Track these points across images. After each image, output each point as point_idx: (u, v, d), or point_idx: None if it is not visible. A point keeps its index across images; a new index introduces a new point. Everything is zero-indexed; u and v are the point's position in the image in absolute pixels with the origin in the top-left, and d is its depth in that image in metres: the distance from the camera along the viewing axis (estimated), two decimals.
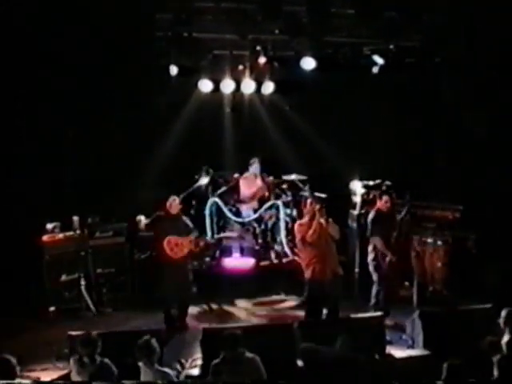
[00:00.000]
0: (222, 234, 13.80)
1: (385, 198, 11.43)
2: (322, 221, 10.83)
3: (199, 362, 9.59)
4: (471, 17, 12.61)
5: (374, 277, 11.33)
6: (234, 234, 13.85)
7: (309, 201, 11.19)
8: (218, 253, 13.78)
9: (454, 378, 7.47)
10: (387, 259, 11.18)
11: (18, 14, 11.97)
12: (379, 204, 11.46)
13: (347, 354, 8.47)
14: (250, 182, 14.15)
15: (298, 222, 11.33)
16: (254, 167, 14.09)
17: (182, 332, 11.15)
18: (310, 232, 10.79)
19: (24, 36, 12.14)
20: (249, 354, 8.24)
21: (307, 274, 10.96)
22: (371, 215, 11.54)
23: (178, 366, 9.46)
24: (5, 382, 7.39)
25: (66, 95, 12.92)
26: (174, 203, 11.54)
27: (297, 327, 9.74)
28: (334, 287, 10.91)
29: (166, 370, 8.31)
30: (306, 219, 11.05)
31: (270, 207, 13.83)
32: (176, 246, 11.32)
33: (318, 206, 10.92)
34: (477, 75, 13.27)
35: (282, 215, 13.70)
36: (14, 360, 7.67)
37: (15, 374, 7.65)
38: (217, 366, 8.18)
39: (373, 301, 11.28)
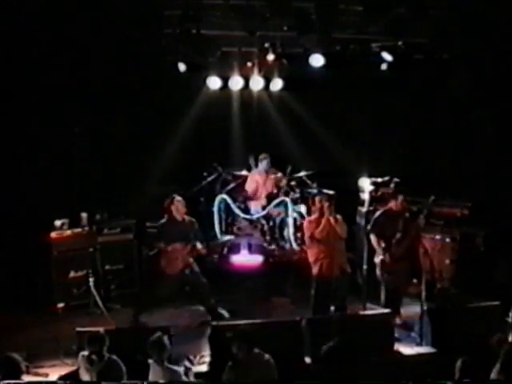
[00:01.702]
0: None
1: (401, 197, 11.31)
2: (331, 218, 10.85)
3: (207, 358, 9.63)
4: (479, 13, 12.53)
5: (379, 275, 11.28)
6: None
7: (317, 198, 11.22)
8: (226, 250, 13.80)
9: (467, 375, 7.44)
10: (379, 258, 11.15)
11: (28, 10, 11.99)
12: (392, 204, 11.38)
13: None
14: (256, 179, 14.16)
15: (308, 218, 11.37)
16: (265, 163, 14.06)
17: (189, 328, 11.14)
18: (319, 229, 10.85)
19: (33, 32, 12.16)
20: (265, 356, 8.21)
21: (314, 270, 11.00)
22: (379, 212, 11.49)
23: (187, 363, 9.46)
24: (10, 381, 7.42)
25: (74, 92, 12.89)
26: (181, 205, 11.37)
27: (305, 324, 9.75)
28: (341, 284, 10.93)
29: (176, 367, 8.33)
30: (315, 216, 11.09)
31: (279, 204, 13.81)
32: (171, 263, 11.22)
33: (327, 204, 10.93)
34: (485, 72, 13.23)
35: (290, 212, 13.69)
36: (18, 358, 7.71)
37: (20, 372, 7.68)
38: (232, 368, 8.15)
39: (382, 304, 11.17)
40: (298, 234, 13.35)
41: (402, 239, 11.13)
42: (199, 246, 11.30)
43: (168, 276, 11.19)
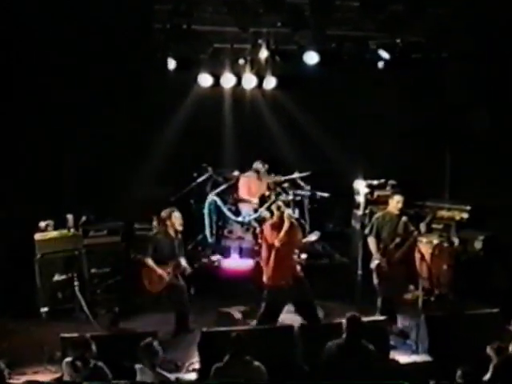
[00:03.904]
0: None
1: (397, 197, 11.10)
2: (288, 225, 10.59)
3: (197, 365, 9.47)
4: (478, 11, 12.45)
5: (376, 281, 11.07)
6: None
7: (275, 205, 10.92)
8: (216, 254, 13.60)
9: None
10: (375, 263, 10.96)
11: (17, 12, 11.86)
12: (390, 206, 11.16)
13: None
14: (249, 181, 13.95)
15: (268, 223, 10.98)
16: (256, 163, 13.85)
17: (179, 334, 10.89)
18: (279, 237, 10.52)
19: (21, 32, 11.99)
20: (255, 363, 8.12)
21: (266, 278, 10.68)
22: (378, 215, 11.32)
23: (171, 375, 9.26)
24: None
25: (63, 92, 12.73)
26: (178, 223, 10.95)
27: (298, 330, 9.66)
28: (297, 291, 10.62)
29: (168, 374, 8.26)
30: (273, 221, 10.79)
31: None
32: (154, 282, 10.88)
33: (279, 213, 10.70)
34: (483, 71, 13.11)
35: None
36: (2, 364, 7.66)
37: (3, 379, 7.60)
38: (219, 369, 8.08)
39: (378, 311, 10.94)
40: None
41: (401, 244, 10.97)
42: (184, 263, 10.97)
43: (149, 292, 10.93)
